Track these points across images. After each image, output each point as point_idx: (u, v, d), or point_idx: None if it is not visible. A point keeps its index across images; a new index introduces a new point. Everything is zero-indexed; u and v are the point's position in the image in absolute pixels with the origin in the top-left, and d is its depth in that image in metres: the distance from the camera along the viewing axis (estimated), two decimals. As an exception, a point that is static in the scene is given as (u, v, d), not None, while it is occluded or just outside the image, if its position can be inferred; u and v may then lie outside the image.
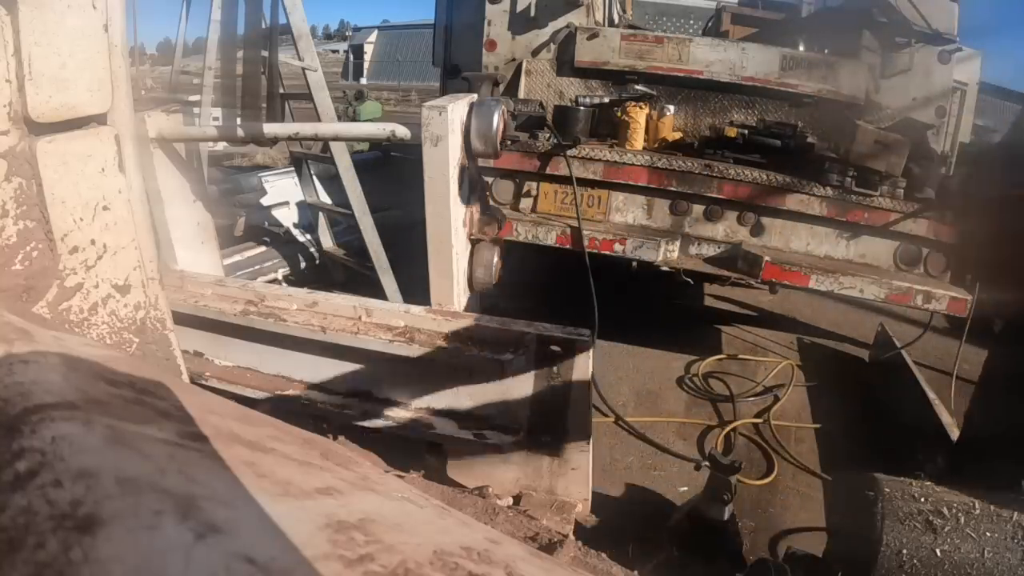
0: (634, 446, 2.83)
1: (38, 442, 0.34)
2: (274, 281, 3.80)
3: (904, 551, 1.32)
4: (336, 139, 2.64)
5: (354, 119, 8.61)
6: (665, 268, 3.37)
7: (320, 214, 3.78)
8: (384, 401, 1.49)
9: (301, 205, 4.35)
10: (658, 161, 3.17)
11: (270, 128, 1.69)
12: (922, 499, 1.35)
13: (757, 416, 3.23)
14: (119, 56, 0.94)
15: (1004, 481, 1.95)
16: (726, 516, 1.98)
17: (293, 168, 3.93)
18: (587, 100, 3.51)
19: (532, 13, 3.62)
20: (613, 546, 2.21)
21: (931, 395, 3.01)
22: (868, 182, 3.04)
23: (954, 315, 3.11)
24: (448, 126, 1.33)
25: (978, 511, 1.32)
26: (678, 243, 3.29)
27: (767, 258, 3.07)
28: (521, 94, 3.65)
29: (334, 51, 38.00)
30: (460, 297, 1.52)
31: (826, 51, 3.69)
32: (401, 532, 0.38)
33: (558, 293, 3.12)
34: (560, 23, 3.63)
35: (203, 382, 1.52)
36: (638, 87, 3.52)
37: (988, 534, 1.30)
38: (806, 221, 3.24)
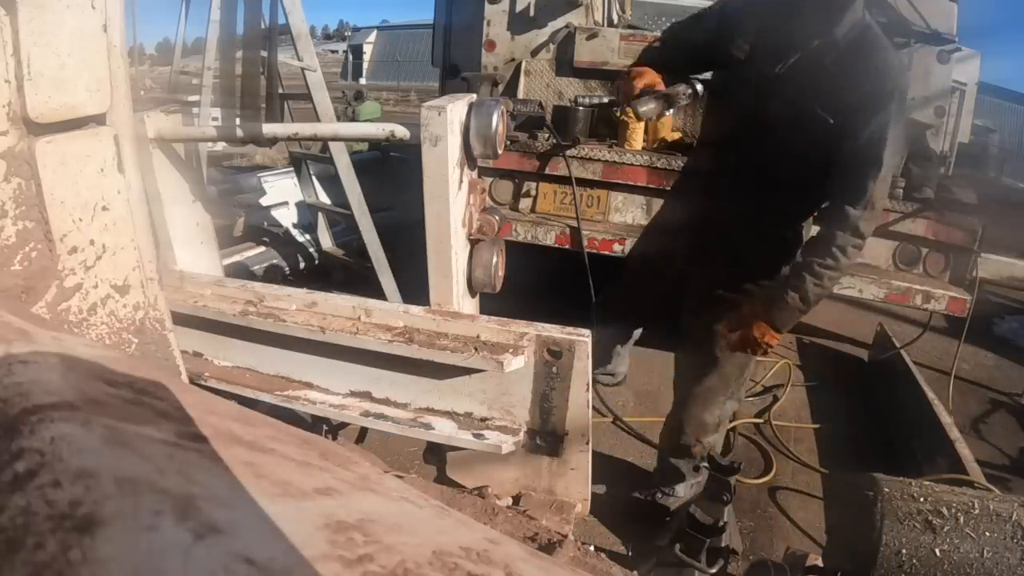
0: (634, 446, 2.83)
1: (37, 442, 0.34)
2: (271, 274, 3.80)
3: (903, 551, 1.33)
4: (335, 139, 2.63)
5: (353, 119, 8.61)
6: (664, 268, 3.37)
7: (319, 214, 3.78)
8: (383, 401, 1.49)
9: (300, 205, 4.35)
10: (657, 161, 3.17)
11: (269, 128, 1.68)
12: (921, 499, 1.35)
13: (757, 416, 3.23)
14: (118, 56, 0.94)
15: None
16: (725, 516, 1.98)
17: (292, 168, 3.93)
18: (586, 100, 3.51)
19: (531, 13, 3.62)
20: (613, 546, 2.22)
21: (930, 395, 3.01)
22: (867, 182, 3.04)
23: (953, 315, 3.12)
24: (447, 126, 1.33)
25: (977, 511, 1.32)
26: (677, 243, 3.29)
27: (766, 258, 3.07)
28: (520, 94, 3.65)
29: (333, 51, 37.98)
30: (459, 297, 1.52)
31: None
32: (400, 532, 0.38)
33: (558, 293, 3.12)
34: (559, 23, 3.63)
35: (202, 382, 1.52)
36: (637, 87, 3.52)
37: (988, 534, 1.31)
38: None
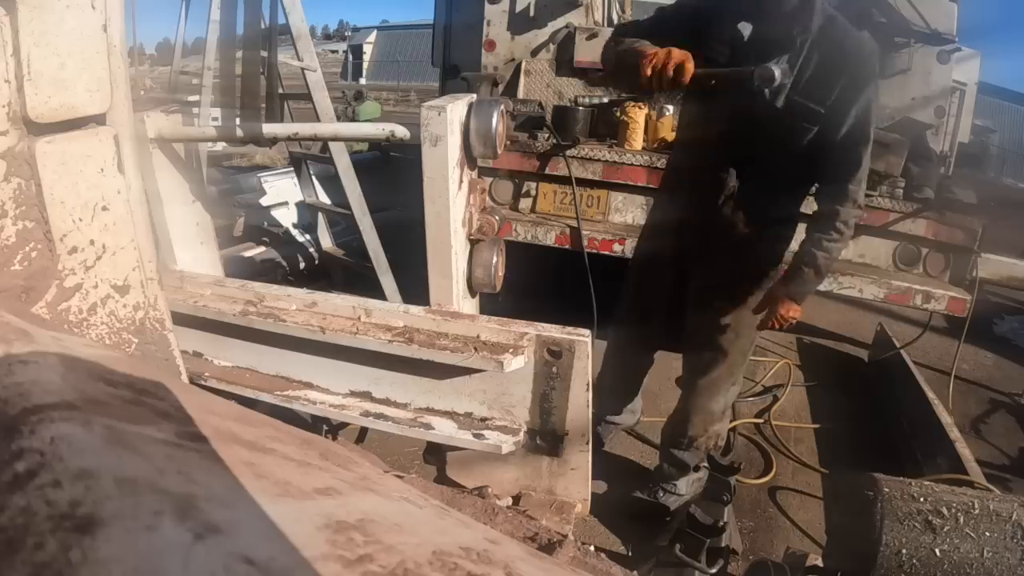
0: (634, 446, 2.83)
1: (37, 442, 0.34)
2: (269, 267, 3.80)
3: (903, 551, 1.33)
4: (335, 139, 2.63)
5: (353, 119, 8.61)
6: (664, 268, 3.37)
7: (319, 214, 3.77)
8: (383, 401, 1.49)
9: (300, 205, 4.34)
10: (657, 161, 3.17)
11: (269, 128, 1.68)
12: (921, 499, 1.35)
13: (757, 416, 3.23)
14: (118, 56, 0.94)
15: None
16: (725, 516, 1.98)
17: (292, 168, 3.93)
18: (586, 100, 3.52)
19: (531, 13, 3.63)
20: (613, 546, 2.22)
21: (930, 395, 3.01)
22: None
23: (953, 315, 3.12)
24: (447, 126, 1.33)
25: (977, 511, 1.32)
26: (677, 243, 3.29)
27: (766, 258, 3.07)
28: (520, 94, 3.66)
29: (333, 51, 38.01)
30: (459, 297, 1.52)
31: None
32: (400, 532, 0.38)
33: (558, 293, 3.12)
34: (559, 23, 3.64)
35: (202, 382, 1.52)
36: (637, 87, 3.52)
37: (987, 534, 1.31)
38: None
